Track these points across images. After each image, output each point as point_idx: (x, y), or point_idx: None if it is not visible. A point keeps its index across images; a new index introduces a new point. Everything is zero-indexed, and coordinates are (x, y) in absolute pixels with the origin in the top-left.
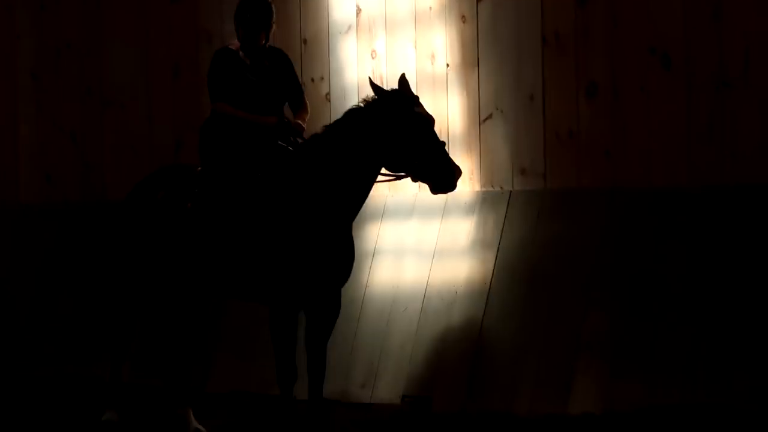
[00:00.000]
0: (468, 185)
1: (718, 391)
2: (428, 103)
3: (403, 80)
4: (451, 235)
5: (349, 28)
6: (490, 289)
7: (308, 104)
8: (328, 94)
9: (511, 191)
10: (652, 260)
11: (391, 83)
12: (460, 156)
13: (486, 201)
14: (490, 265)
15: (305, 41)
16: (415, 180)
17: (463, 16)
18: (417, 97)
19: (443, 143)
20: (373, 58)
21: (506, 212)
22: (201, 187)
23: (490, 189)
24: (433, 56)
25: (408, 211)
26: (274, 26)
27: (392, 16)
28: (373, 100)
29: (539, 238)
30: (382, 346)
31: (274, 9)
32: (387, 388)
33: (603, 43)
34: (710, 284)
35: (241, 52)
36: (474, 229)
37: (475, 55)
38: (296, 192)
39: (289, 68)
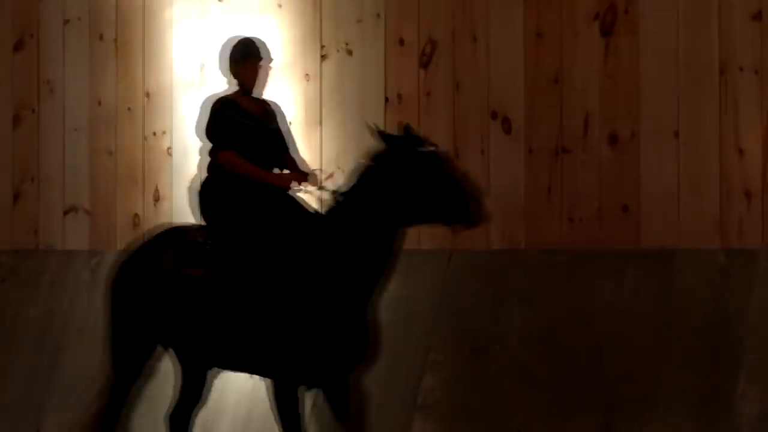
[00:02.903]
0: None
1: None
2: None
3: (407, 128)
4: None
5: (193, 82)
6: None
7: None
8: (170, 148)
9: None
10: (491, 322)
11: None
12: None
13: None
14: None
15: (148, 94)
16: (449, 225)
17: (306, 74)
18: (422, 139)
19: (453, 178)
20: None
21: None
22: (211, 253)
23: None
24: None
25: None
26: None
27: None
28: (379, 152)
29: (380, 299)
30: (220, 396)
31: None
32: None
33: (445, 106)
34: (547, 346)
35: (240, 100)
36: None
37: (319, 113)
38: (311, 262)
39: (284, 122)
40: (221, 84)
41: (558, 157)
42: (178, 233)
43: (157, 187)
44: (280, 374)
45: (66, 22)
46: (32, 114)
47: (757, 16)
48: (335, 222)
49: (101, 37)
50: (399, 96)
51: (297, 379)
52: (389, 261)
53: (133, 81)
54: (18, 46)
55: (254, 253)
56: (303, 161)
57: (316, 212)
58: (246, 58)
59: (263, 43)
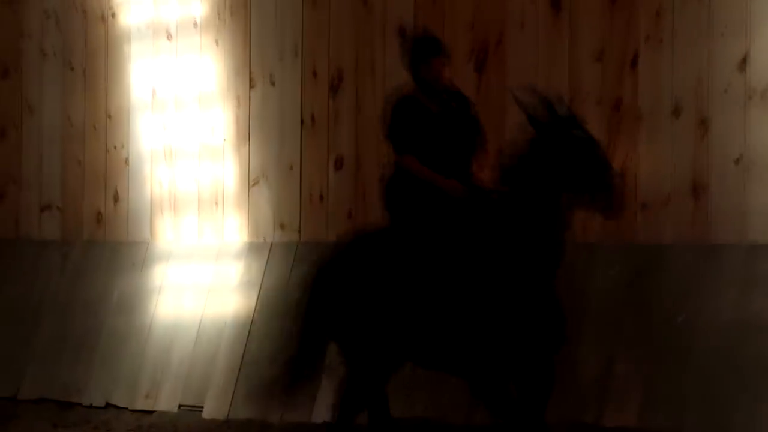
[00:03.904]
0: (238, 236)
1: None
2: (208, 170)
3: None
4: (223, 277)
5: (146, 105)
6: (252, 321)
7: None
8: (127, 158)
9: (272, 242)
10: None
11: (179, 154)
12: (233, 213)
13: (252, 250)
14: (253, 301)
15: (109, 116)
16: (590, 207)
17: (238, 99)
18: (574, 117)
19: (603, 163)
20: (164, 131)
21: (268, 259)
22: (402, 254)
23: (255, 240)
24: (212, 131)
25: (188, 255)
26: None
27: (181, 97)
28: (535, 138)
29: (293, 281)
30: (164, 363)
31: None
32: (167, 398)
33: (349, 125)
34: None
35: (422, 98)
36: (242, 272)
37: (247, 131)
38: (499, 249)
39: (475, 116)
40: (169, 106)
41: None
42: (369, 239)
43: (116, 190)
44: (485, 370)
45: (44, 55)
46: (16, 129)
47: (599, 58)
48: (512, 208)
49: (72, 68)
50: (312, 118)
51: (503, 372)
52: (563, 235)
53: (97, 104)
54: (4, 75)
55: (443, 247)
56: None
57: (491, 201)
58: (430, 56)
59: (440, 41)
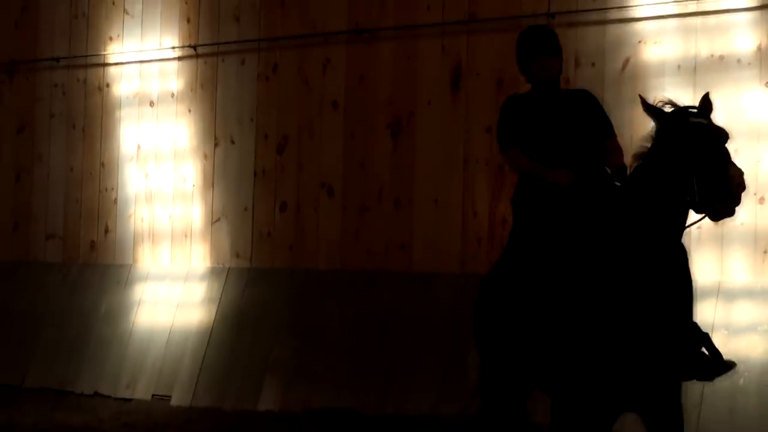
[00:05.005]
0: (202, 262)
1: None
2: (179, 209)
3: (705, 99)
4: (190, 294)
5: (132, 157)
6: (212, 329)
7: (621, 148)
8: (116, 199)
9: (229, 268)
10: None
11: (157, 197)
12: (199, 244)
13: (213, 273)
14: (213, 314)
15: (103, 164)
16: (698, 211)
17: (205, 155)
18: (702, 110)
19: (725, 157)
20: (146, 178)
21: (225, 281)
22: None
23: (216, 265)
24: (184, 179)
25: (162, 276)
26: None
27: (160, 152)
28: (654, 131)
29: (245, 299)
30: (141, 361)
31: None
32: (143, 389)
33: (292, 178)
34: None
35: (529, 96)
36: (204, 291)
37: (212, 180)
38: (617, 254)
39: (596, 110)
40: (150, 158)
41: (362, 212)
42: (513, 261)
43: (107, 223)
44: (585, 391)
45: (51, 116)
46: (27, 174)
47: (489, 130)
48: (635, 210)
49: (74, 127)
50: (263, 171)
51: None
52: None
53: (93, 155)
54: (20, 130)
55: (575, 260)
56: (616, 147)
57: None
58: (533, 53)
59: (549, 35)
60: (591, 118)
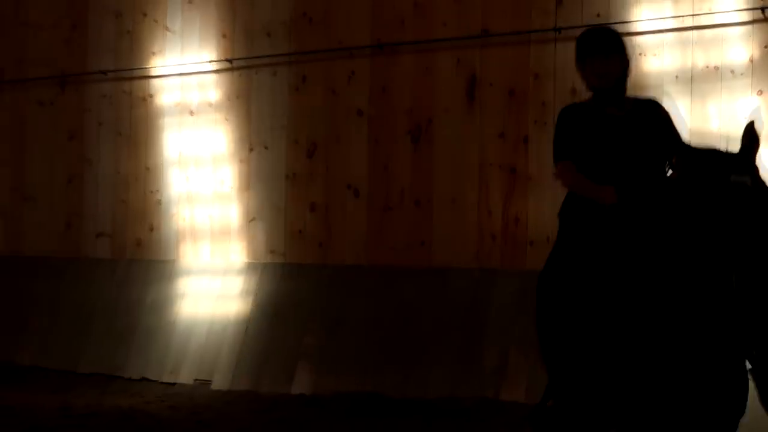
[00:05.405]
0: (240, 258)
1: None
2: (218, 210)
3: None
4: (228, 288)
5: (174, 162)
6: (249, 320)
7: None
8: (159, 200)
9: (264, 263)
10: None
11: (198, 198)
12: (237, 241)
13: (250, 268)
14: (250, 306)
15: (147, 169)
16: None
17: (241, 159)
18: (744, 155)
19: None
20: (187, 181)
21: (260, 276)
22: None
23: (252, 261)
24: (222, 182)
25: (203, 271)
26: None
27: (200, 157)
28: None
29: (280, 292)
30: (184, 349)
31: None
32: (186, 374)
33: (321, 180)
34: None
35: (585, 105)
36: (242, 285)
37: (248, 182)
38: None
39: (663, 124)
40: (192, 164)
41: (385, 212)
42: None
43: (151, 223)
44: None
45: (100, 124)
46: (79, 178)
47: (501, 135)
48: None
49: (120, 134)
50: (294, 174)
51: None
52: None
53: (138, 160)
54: (71, 138)
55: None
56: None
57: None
58: (586, 56)
59: (609, 35)
60: (655, 133)
